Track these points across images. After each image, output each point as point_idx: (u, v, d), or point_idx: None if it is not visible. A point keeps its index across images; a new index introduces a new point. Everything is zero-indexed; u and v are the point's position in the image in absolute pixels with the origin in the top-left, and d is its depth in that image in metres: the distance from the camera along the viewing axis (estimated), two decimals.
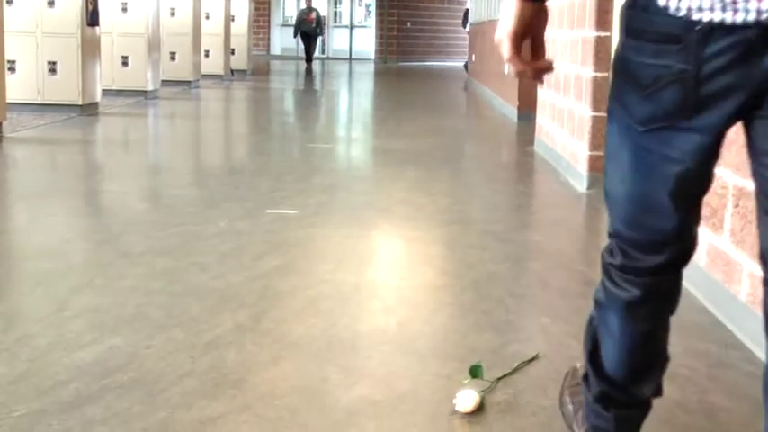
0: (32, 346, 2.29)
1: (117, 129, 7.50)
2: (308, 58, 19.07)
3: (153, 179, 5.19)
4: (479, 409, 1.98)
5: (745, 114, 1.24)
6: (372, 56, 23.54)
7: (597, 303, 1.54)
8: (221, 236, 3.58)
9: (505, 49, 1.34)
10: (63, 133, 6.76)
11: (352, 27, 24.44)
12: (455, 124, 9.07)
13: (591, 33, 4.81)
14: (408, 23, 23.50)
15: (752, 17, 1.15)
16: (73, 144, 6.44)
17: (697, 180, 1.33)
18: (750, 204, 2.53)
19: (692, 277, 2.99)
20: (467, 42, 17.24)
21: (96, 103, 8.15)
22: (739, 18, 1.16)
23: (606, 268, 1.48)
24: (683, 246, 1.40)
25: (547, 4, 1.36)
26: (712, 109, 1.23)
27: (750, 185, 2.53)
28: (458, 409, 1.96)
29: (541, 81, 1.40)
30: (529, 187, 5.40)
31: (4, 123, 6.40)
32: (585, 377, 1.64)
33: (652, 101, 1.27)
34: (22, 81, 7.66)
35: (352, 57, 23.90)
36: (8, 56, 6.93)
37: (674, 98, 1.24)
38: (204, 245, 3.43)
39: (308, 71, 17.34)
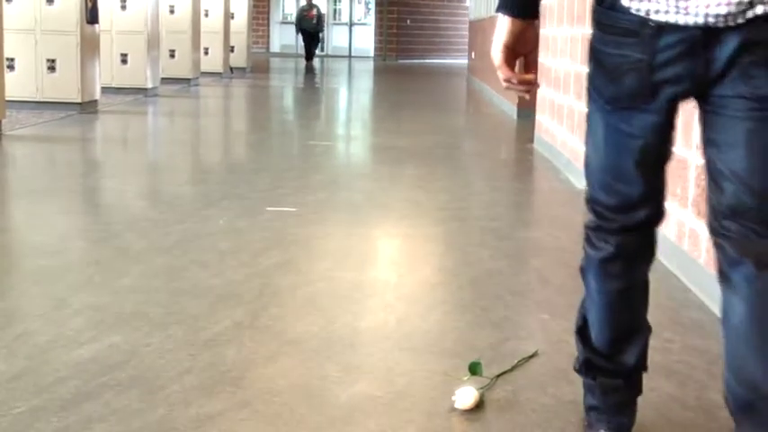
0: (31, 343, 2.30)
1: (116, 126, 7.50)
2: (309, 56, 19.05)
3: (152, 177, 5.19)
4: (478, 406, 1.98)
5: (692, 99, 1.48)
6: (372, 53, 23.52)
7: (581, 272, 1.72)
8: (220, 233, 3.59)
9: (497, 58, 1.59)
10: (62, 131, 6.76)
11: (351, 24, 24.43)
12: (455, 122, 9.07)
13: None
14: (408, 21, 23.48)
15: (700, 20, 1.37)
16: (72, 142, 6.44)
17: (656, 152, 1.56)
18: None
19: (690, 274, 2.99)
20: (467, 40, 17.23)
21: (95, 101, 8.15)
22: (690, 20, 1.38)
23: (586, 234, 1.68)
24: (651, 208, 1.60)
25: (536, 22, 1.58)
26: (663, 93, 1.47)
27: None
28: (457, 406, 1.97)
29: (526, 92, 1.64)
30: (528, 184, 5.40)
31: (3, 121, 6.41)
32: (578, 359, 1.80)
33: (616, 84, 1.51)
34: (21, 79, 7.66)
35: (352, 54, 23.89)
36: (7, 53, 6.93)
37: (632, 83, 1.48)
38: (203, 242, 3.43)
39: (309, 69, 17.32)
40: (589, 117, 1.62)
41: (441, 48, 24.37)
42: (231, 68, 13.89)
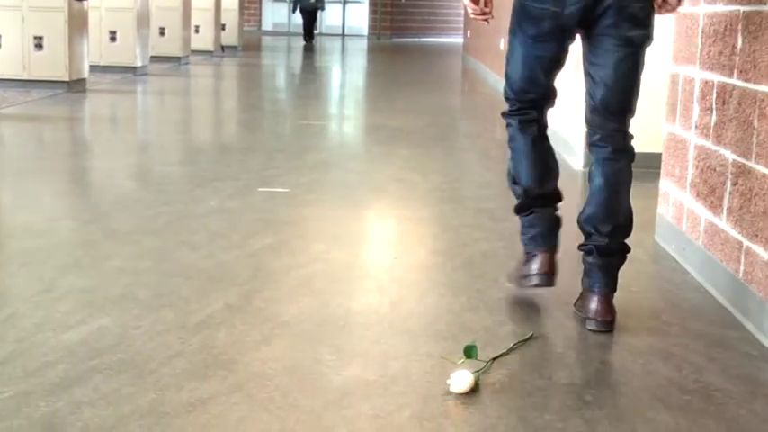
0: (19, 326, 2.29)
1: (105, 105, 7.46)
2: (308, 35, 18.85)
3: (141, 157, 5.17)
4: (474, 389, 1.98)
5: (582, 35, 2.42)
6: (366, 32, 23.41)
7: (509, 140, 2.59)
8: (211, 214, 3.57)
9: None
10: (50, 110, 6.72)
11: (345, 2, 24.30)
12: (449, 101, 9.05)
13: None
14: None
15: None
16: (60, 121, 6.41)
17: (556, 66, 2.49)
18: (750, 182, 2.53)
19: (689, 256, 2.99)
20: (462, 19, 17.16)
21: (84, 80, 8.09)
22: None
23: (507, 119, 2.58)
24: (549, 97, 2.55)
25: None
26: (566, 33, 2.41)
27: (750, 163, 2.53)
28: (452, 389, 1.97)
29: (486, 21, 2.53)
30: None
31: None
32: (516, 205, 2.65)
33: (538, 26, 2.41)
34: (7, 56, 7.60)
35: (345, 33, 23.79)
36: None
37: (549, 26, 2.39)
38: (194, 224, 3.42)
39: (308, 49, 17.15)
40: (511, 46, 2.51)
41: (436, 26, 24.27)
42: (222, 47, 13.80)
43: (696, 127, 3.01)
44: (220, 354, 2.15)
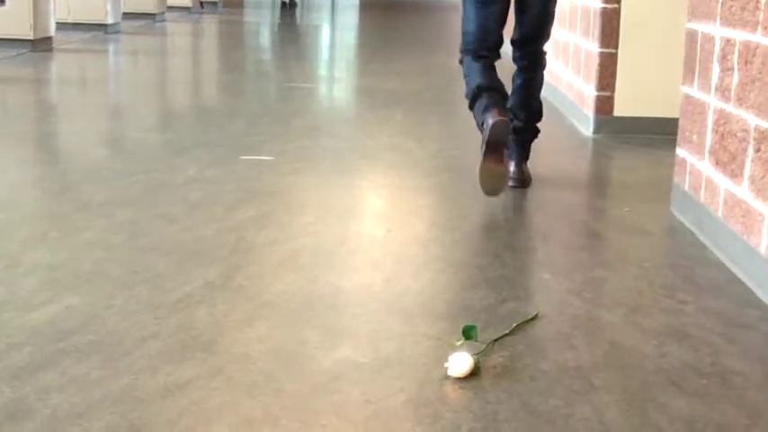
0: None
1: (73, 66, 7.42)
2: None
3: (114, 122, 5.16)
4: (473, 373, 1.98)
5: None
6: None
7: (465, 70, 3.52)
8: (190, 184, 3.57)
9: None
10: (13, 71, 6.68)
11: None
12: (447, 62, 8.97)
13: None
14: None
15: None
16: (24, 83, 6.37)
17: (504, 17, 3.47)
18: None
19: (706, 229, 2.99)
20: None
21: (50, 38, 8.03)
22: None
23: (462, 58, 3.53)
24: (499, 43, 3.47)
25: None
26: None
27: None
28: (450, 373, 1.97)
29: None
30: None
31: None
32: (469, 99, 3.49)
33: None
34: None
35: None
36: None
37: None
38: (171, 194, 3.42)
39: (291, 5, 17.02)
40: (465, 6, 3.47)
41: None
42: (201, 3, 13.72)
43: (716, 89, 2.99)
44: (199, 335, 2.15)
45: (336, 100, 6.51)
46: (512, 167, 3.54)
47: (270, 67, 8.21)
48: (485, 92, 3.38)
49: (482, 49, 3.44)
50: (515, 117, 3.57)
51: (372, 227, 3.20)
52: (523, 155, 3.68)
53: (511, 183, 3.52)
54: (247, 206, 3.28)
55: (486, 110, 3.34)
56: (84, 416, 1.76)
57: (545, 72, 3.71)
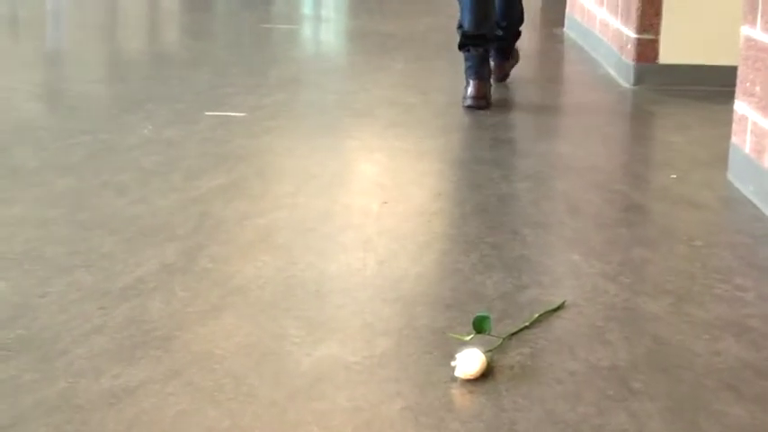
0: None
1: (1, 3, 7.40)
2: None
3: (51, 71, 5.17)
4: (486, 374, 1.98)
5: None
6: None
7: (458, 29, 4.47)
8: (144, 147, 3.59)
9: None
10: None
11: None
12: None
13: None
14: None
15: None
16: None
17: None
18: None
19: (762, 194, 2.98)
20: None
21: None
22: None
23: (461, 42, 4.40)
24: (494, 31, 4.49)
25: None
26: None
27: None
28: (457, 374, 1.97)
29: None
30: (556, 83, 5.39)
31: None
32: (460, 45, 4.35)
33: None
34: None
35: None
36: None
37: None
38: (121, 159, 3.43)
39: None
40: None
41: None
42: None
43: None
44: (153, 329, 2.15)
45: (323, 45, 6.51)
46: (497, 70, 4.73)
47: (241, 5, 8.19)
48: (471, 44, 4.24)
49: (476, 39, 4.24)
50: (498, 26, 4.55)
51: (364, 198, 3.19)
52: (506, 58, 4.84)
53: (493, 80, 4.53)
54: (213, 173, 3.29)
55: (468, 72, 4.28)
56: (12, 428, 1.75)
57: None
